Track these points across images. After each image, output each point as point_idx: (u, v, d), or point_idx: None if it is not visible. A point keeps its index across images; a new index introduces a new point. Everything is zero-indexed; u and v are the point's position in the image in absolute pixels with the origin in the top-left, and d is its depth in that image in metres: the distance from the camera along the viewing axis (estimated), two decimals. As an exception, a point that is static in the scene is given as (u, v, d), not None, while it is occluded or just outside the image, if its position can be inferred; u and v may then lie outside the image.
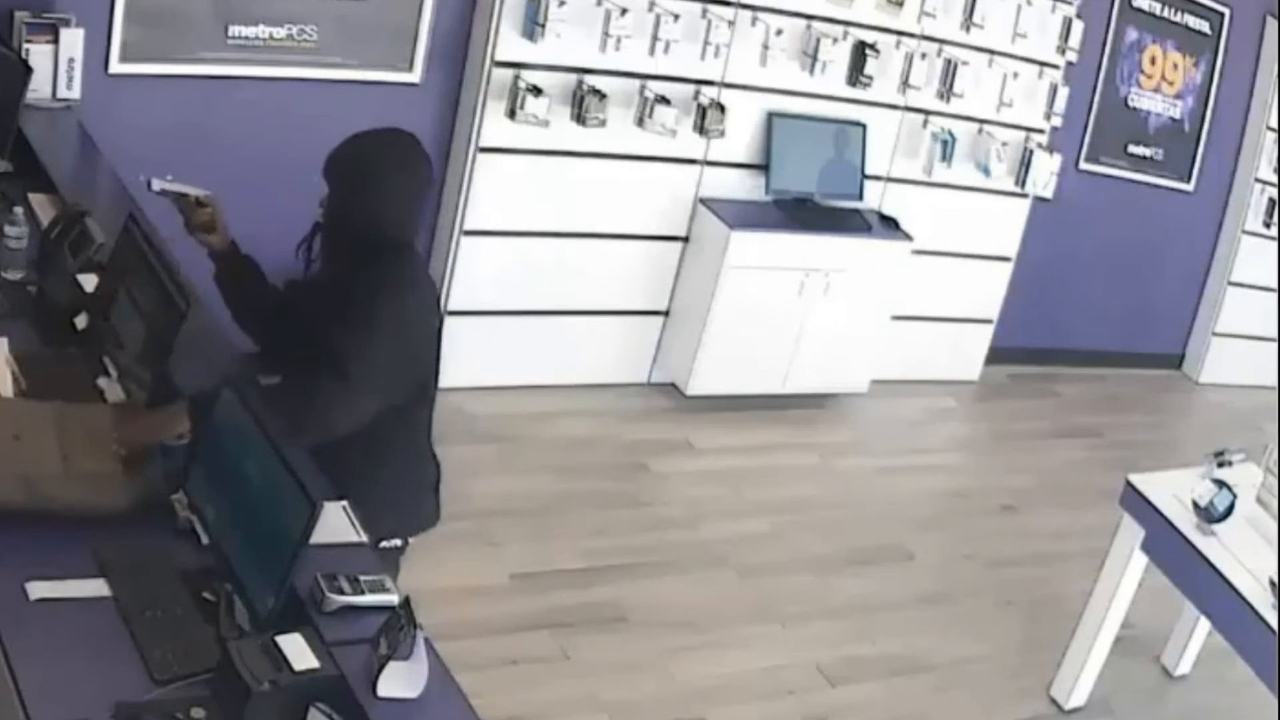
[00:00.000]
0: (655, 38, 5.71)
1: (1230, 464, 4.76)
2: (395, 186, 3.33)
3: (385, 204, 3.31)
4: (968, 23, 6.49)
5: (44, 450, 3.00)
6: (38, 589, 2.73)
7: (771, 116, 6.24)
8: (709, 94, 6.00)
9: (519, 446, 5.72)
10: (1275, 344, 7.60)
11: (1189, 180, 7.95)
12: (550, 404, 6.02)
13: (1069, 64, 6.93)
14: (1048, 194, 7.07)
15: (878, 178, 6.64)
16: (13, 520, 2.83)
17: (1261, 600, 4.27)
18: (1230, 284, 8.17)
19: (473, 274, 5.79)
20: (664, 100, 5.84)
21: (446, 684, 2.78)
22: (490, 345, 5.88)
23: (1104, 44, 7.31)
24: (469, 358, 5.65)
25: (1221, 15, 7.68)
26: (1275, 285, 7.85)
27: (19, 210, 3.85)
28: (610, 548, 5.25)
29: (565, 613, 4.78)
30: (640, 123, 5.86)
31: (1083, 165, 7.49)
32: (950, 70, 6.53)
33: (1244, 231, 8.08)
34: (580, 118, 5.70)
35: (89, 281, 3.65)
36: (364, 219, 3.31)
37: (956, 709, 4.94)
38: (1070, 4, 6.78)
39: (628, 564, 5.16)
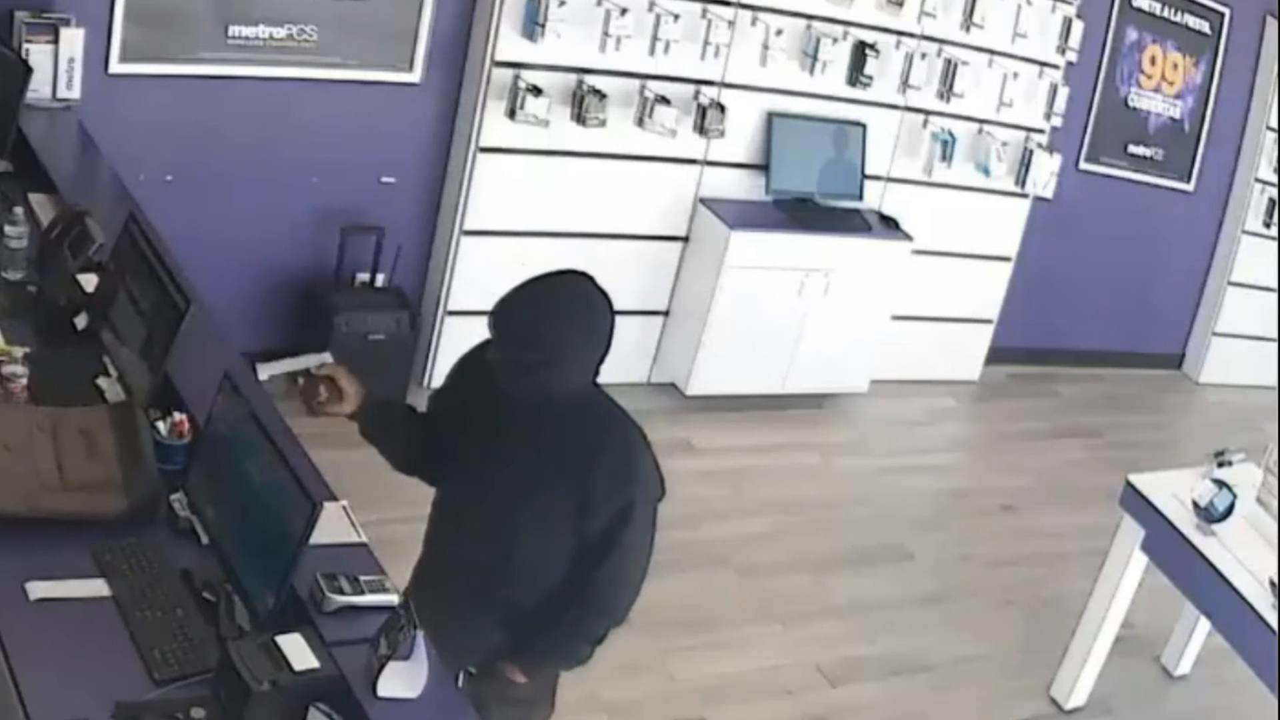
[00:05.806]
0: (655, 38, 5.71)
1: (1230, 464, 4.76)
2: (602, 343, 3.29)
3: (596, 361, 3.31)
4: (968, 23, 6.48)
5: (39, 460, 2.99)
6: (38, 589, 2.72)
7: (771, 116, 6.23)
8: (709, 94, 6.00)
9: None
10: (1275, 344, 7.60)
11: (1189, 180, 7.94)
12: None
13: (1069, 64, 6.92)
14: (1048, 194, 7.06)
15: (878, 178, 6.64)
16: (12, 521, 2.83)
17: (1261, 600, 4.27)
18: (1230, 284, 8.16)
19: (473, 274, 5.78)
20: (664, 100, 5.84)
21: (446, 684, 2.79)
22: (491, 346, 5.87)
23: (1104, 44, 7.30)
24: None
25: (1221, 15, 7.68)
26: (1275, 285, 7.85)
27: (19, 210, 3.85)
28: (610, 547, 5.23)
29: (565, 613, 4.76)
30: (640, 123, 5.86)
31: (1083, 165, 7.48)
32: (950, 70, 6.52)
33: (1244, 231, 8.07)
34: (580, 118, 5.69)
35: (89, 281, 3.65)
36: (580, 381, 3.29)
37: (956, 709, 4.94)
38: (1070, 4, 6.77)
39: (627, 564, 5.14)
